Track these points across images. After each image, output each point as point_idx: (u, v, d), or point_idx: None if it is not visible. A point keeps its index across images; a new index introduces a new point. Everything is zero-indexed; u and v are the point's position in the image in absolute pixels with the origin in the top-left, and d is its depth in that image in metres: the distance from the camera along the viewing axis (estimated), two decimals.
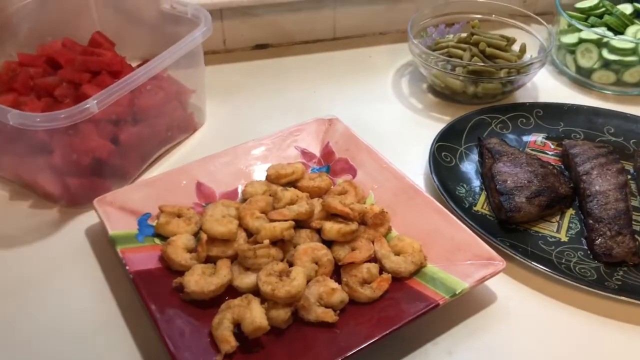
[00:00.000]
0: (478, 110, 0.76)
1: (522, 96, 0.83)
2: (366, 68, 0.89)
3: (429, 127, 0.76)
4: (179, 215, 0.59)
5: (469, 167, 0.70)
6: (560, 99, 0.81)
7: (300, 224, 0.59)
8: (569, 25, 0.83)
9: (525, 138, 0.74)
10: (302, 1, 0.90)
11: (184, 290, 0.52)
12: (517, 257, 0.57)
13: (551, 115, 0.76)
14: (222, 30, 0.90)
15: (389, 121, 0.79)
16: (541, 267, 0.56)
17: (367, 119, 0.79)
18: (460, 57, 0.78)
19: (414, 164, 0.71)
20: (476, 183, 0.68)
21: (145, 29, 0.78)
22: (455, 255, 0.56)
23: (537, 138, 0.74)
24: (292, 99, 0.83)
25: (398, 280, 0.55)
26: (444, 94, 0.82)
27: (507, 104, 0.78)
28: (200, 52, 0.72)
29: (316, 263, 0.55)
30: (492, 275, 0.54)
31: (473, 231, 0.58)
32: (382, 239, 0.58)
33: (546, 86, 0.85)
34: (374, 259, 0.57)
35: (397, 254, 0.57)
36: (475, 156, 0.71)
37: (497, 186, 0.64)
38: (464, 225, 0.58)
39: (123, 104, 0.63)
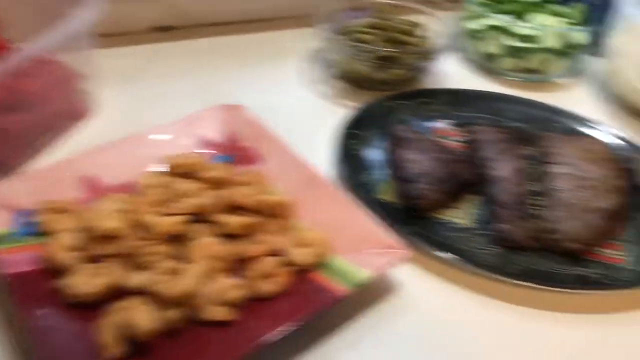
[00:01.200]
0: (385, 96, 0.75)
1: (429, 83, 0.83)
2: (275, 52, 0.86)
3: (336, 114, 0.73)
4: (63, 211, 0.54)
5: (377, 154, 0.68)
6: (467, 86, 0.82)
7: (200, 217, 0.56)
8: (475, 11, 0.83)
9: (431, 124, 0.74)
10: None
11: (68, 292, 0.48)
12: (420, 245, 0.57)
13: (457, 101, 0.76)
14: (118, 11, 0.84)
15: (297, 108, 0.77)
16: (442, 254, 0.56)
17: (274, 105, 0.76)
18: (369, 42, 0.77)
19: (321, 152, 0.68)
20: (383, 171, 0.67)
21: (37, 8, 0.72)
22: (360, 245, 0.55)
23: (443, 124, 0.74)
24: (197, 85, 0.79)
25: (302, 272, 0.54)
26: (352, 80, 0.80)
27: (415, 90, 0.77)
28: (91, 34, 0.67)
29: (216, 259, 0.53)
30: (395, 263, 0.53)
31: (378, 220, 0.58)
32: (286, 231, 0.56)
33: (454, 72, 0.86)
34: (278, 252, 0.55)
35: (301, 245, 0.55)
36: (382, 143, 0.70)
37: (402, 173, 0.63)
38: (368, 215, 0.57)
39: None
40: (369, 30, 0.79)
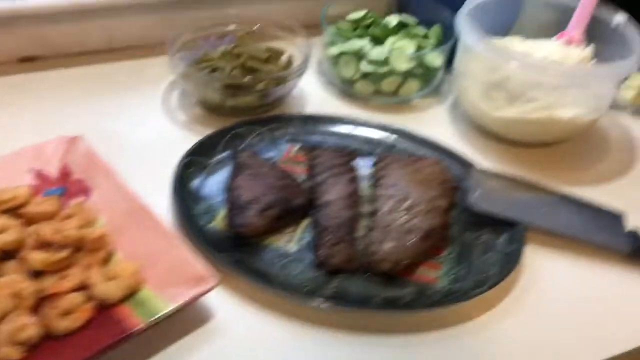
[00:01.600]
0: (236, 123, 0.76)
1: (289, 107, 0.84)
2: (140, 81, 0.86)
3: (189, 142, 0.74)
4: None
5: (218, 181, 0.69)
6: (327, 109, 0.83)
7: (10, 254, 0.56)
8: (331, 38, 0.85)
9: (281, 150, 0.75)
10: (66, 12, 0.86)
11: None
12: (238, 273, 0.58)
13: (308, 125, 0.78)
14: None
15: (153, 137, 0.77)
16: (253, 281, 0.57)
17: (128, 134, 0.77)
18: (220, 70, 0.78)
19: (163, 181, 0.69)
20: (220, 198, 0.68)
21: None
22: (171, 276, 0.55)
23: (292, 149, 0.75)
24: (53, 116, 0.78)
25: (107, 307, 0.54)
26: (208, 108, 0.81)
27: (267, 116, 0.79)
28: None
29: (18, 297, 0.52)
30: (202, 294, 0.54)
31: (199, 251, 0.58)
32: (96, 264, 0.56)
33: (315, 97, 0.87)
34: (85, 286, 0.55)
35: (111, 279, 0.55)
36: (227, 170, 0.71)
37: (232, 200, 0.64)
38: (186, 245, 0.58)
39: None
40: (222, 58, 0.80)
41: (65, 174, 0.66)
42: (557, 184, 0.73)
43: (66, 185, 0.65)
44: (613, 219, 0.68)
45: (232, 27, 0.86)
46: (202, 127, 0.79)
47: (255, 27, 0.86)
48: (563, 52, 0.75)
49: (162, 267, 0.56)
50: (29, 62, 0.88)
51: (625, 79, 0.86)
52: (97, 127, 0.75)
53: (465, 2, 0.78)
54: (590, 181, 0.76)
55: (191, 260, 0.56)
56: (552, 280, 0.63)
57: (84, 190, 0.65)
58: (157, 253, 0.57)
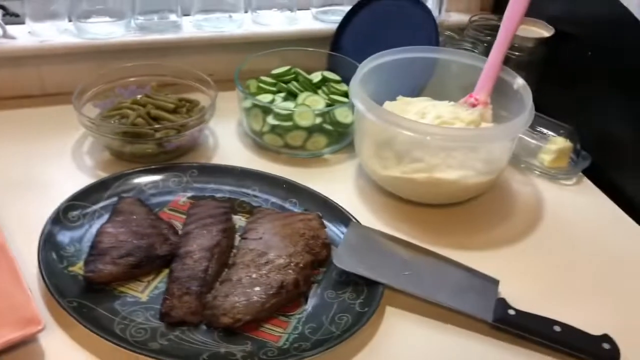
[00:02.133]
0: (133, 169, 0.78)
1: (198, 156, 0.85)
2: (61, 126, 0.89)
3: (84, 183, 0.76)
4: None
5: (96, 227, 0.70)
6: (236, 159, 0.85)
7: None
8: (242, 92, 0.87)
9: (170, 198, 0.76)
10: (2, 58, 0.91)
11: None
12: (73, 318, 0.58)
13: (205, 175, 0.79)
14: None
15: (52, 179, 0.79)
16: (88, 327, 0.56)
17: (33, 176, 0.79)
18: (124, 118, 0.81)
19: (40, 223, 0.69)
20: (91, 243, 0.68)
21: None
22: (2, 316, 0.56)
23: (182, 198, 0.76)
24: None
25: None
26: (114, 154, 0.83)
27: (166, 164, 0.80)
28: None
29: None
30: (24, 337, 0.55)
31: (49, 292, 0.59)
32: None
33: (228, 146, 0.89)
34: None
35: None
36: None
37: (92, 245, 0.65)
38: (26, 286, 0.59)
39: None
40: (133, 106, 0.83)
41: None
42: (445, 246, 0.72)
43: None
44: (486, 285, 0.65)
45: (151, 77, 0.90)
46: (104, 172, 0.81)
47: (167, 77, 0.89)
48: (454, 114, 0.75)
49: (0, 306, 0.57)
50: None
51: (547, 141, 0.85)
52: (1, 166, 0.79)
53: (361, 65, 0.80)
54: (482, 244, 0.74)
55: (25, 303, 0.57)
56: (406, 344, 0.61)
57: None
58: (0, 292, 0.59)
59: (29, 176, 0.79)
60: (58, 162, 0.83)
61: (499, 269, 0.68)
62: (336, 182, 0.83)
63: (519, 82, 0.78)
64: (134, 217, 0.69)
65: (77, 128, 0.88)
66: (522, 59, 0.90)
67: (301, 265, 0.63)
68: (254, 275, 0.62)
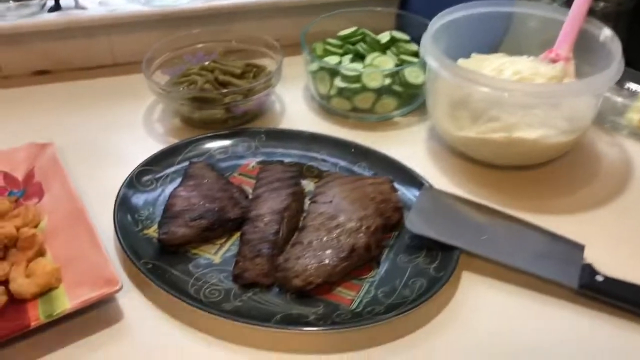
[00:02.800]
0: (202, 135, 0.78)
1: (266, 121, 0.85)
2: (131, 94, 0.90)
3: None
4: None
5: (168, 191, 0.71)
6: (304, 124, 0.84)
7: None
8: (308, 54, 0.85)
9: (239, 162, 0.76)
10: (74, 29, 0.93)
11: None
12: (148, 279, 0.59)
13: (273, 140, 0.78)
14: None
15: (126, 146, 0.81)
16: (163, 288, 0.57)
17: (105, 143, 0.81)
18: (192, 84, 0.81)
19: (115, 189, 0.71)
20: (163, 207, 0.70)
21: None
22: (84, 277, 0.58)
23: (251, 162, 0.76)
24: (48, 123, 0.84)
25: (21, 302, 0.57)
26: (184, 121, 0.84)
27: (233, 129, 0.80)
28: None
29: None
30: (102, 296, 0.56)
31: (125, 254, 0.61)
32: (20, 261, 0.59)
33: (296, 111, 0.87)
34: (5, 281, 0.59)
35: (29, 276, 0.58)
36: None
37: (165, 210, 0.66)
38: (104, 249, 0.60)
39: None
40: (202, 72, 0.83)
41: (28, 177, 0.71)
42: (524, 210, 0.68)
43: (27, 188, 0.70)
44: (570, 250, 0.61)
45: (218, 43, 0.90)
46: (174, 138, 0.82)
47: (234, 43, 0.88)
48: (534, 69, 0.70)
49: (80, 268, 0.59)
50: (42, 74, 0.96)
51: (636, 99, 0.79)
52: (78, 136, 0.81)
53: (432, 21, 0.76)
54: (564, 208, 0.70)
55: (103, 264, 0.58)
56: (484, 310, 0.59)
57: (38, 193, 0.69)
58: (79, 255, 0.60)
59: (103, 144, 0.81)
60: (130, 130, 0.84)
61: (584, 233, 0.64)
62: (407, 145, 0.80)
63: (606, 33, 0.72)
64: (205, 181, 0.69)
65: (147, 96, 0.89)
66: (609, 10, 0.83)
67: (372, 229, 0.62)
68: (324, 239, 0.61)
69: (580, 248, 0.62)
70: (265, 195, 0.67)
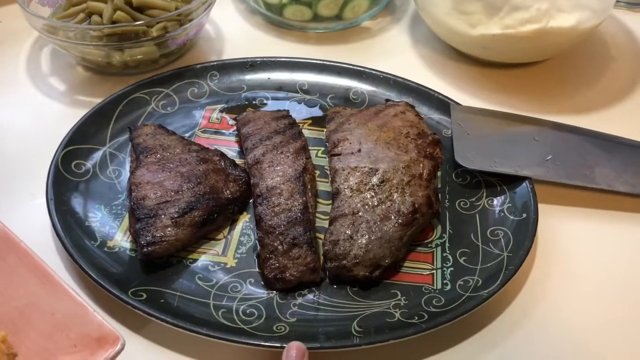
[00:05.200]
0: (132, 86, 0.56)
1: (202, 53, 0.64)
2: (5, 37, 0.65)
3: (71, 119, 0.54)
4: None
5: (118, 175, 0.50)
6: (255, 48, 0.64)
7: None
8: None
9: (197, 115, 0.56)
10: None
11: None
12: (147, 316, 0.40)
13: (230, 76, 0.58)
14: None
15: (20, 120, 0.56)
16: (178, 325, 0.39)
17: None
18: (101, 14, 0.57)
19: (36, 187, 0.49)
20: (121, 199, 0.49)
21: None
22: (55, 339, 0.38)
23: (213, 113, 0.56)
24: None
25: None
26: (94, 68, 0.60)
27: (171, 70, 0.58)
28: None
29: None
30: None
31: (97, 291, 0.41)
32: None
33: (236, 33, 0.67)
34: None
35: None
36: (127, 155, 0.52)
37: (133, 207, 0.45)
38: (70, 289, 0.39)
39: None
40: None
41: None
42: (557, 112, 0.58)
43: None
44: (636, 152, 0.53)
45: None
46: (88, 97, 0.58)
47: None
48: None
49: (42, 326, 0.38)
50: None
51: None
52: None
53: None
54: (594, 103, 0.60)
55: (82, 312, 0.38)
56: (574, 241, 0.48)
57: None
58: (31, 305, 0.39)
59: None
60: (16, 95, 0.59)
61: (633, 128, 0.55)
62: (392, 55, 0.65)
63: None
64: (169, 152, 0.49)
65: (23, 39, 0.63)
66: None
67: (425, 175, 0.47)
68: (373, 203, 0.45)
69: None
70: (267, 158, 0.48)
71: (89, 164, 0.50)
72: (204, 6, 0.58)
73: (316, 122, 0.56)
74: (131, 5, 0.58)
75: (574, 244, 0.48)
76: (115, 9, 0.57)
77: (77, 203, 0.47)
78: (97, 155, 0.51)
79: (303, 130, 0.53)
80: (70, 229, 0.45)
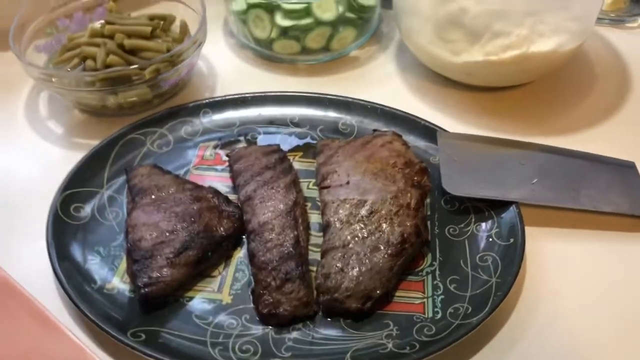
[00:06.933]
0: (127, 127, 0.57)
1: (195, 91, 0.65)
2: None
3: (69, 162, 0.55)
4: None
5: (116, 216, 0.52)
6: (246, 81, 0.66)
7: None
8: None
9: (191, 152, 0.57)
10: None
11: None
12: (152, 358, 0.41)
13: (223, 113, 0.60)
14: None
15: (19, 165, 0.58)
16: None
17: None
18: (94, 58, 0.59)
19: (36, 232, 0.50)
20: (119, 241, 0.50)
21: None
22: None
23: (207, 150, 0.58)
24: None
25: None
26: (90, 110, 0.61)
27: (165, 110, 0.59)
28: None
29: None
30: None
31: (97, 333, 0.42)
32: None
33: (227, 68, 0.68)
34: None
35: None
36: (125, 198, 0.54)
37: (129, 249, 0.47)
38: (69, 333, 0.41)
39: None
40: (96, 40, 0.61)
41: None
42: (543, 134, 0.59)
43: None
44: (623, 172, 0.54)
45: None
46: (85, 139, 0.60)
47: None
48: None
49: None
50: None
51: None
52: None
53: None
54: (579, 123, 0.61)
55: (81, 356, 0.40)
56: (560, 262, 0.49)
57: None
58: (33, 352, 0.41)
59: None
60: (16, 140, 0.60)
61: (605, 145, 0.57)
62: (379, 84, 0.66)
63: None
64: (164, 192, 0.51)
65: (20, 85, 0.65)
66: None
67: (413, 205, 0.48)
68: (362, 234, 0.47)
69: (631, 166, 0.54)
70: (259, 194, 0.50)
71: (87, 208, 0.51)
72: (195, 45, 0.60)
73: (307, 153, 0.57)
74: (124, 49, 0.60)
75: (562, 264, 0.49)
76: (108, 52, 0.59)
77: (76, 247, 0.49)
78: (96, 198, 0.52)
79: (294, 163, 0.55)
80: (70, 273, 0.46)
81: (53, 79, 0.57)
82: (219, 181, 0.55)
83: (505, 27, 0.56)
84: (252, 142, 0.58)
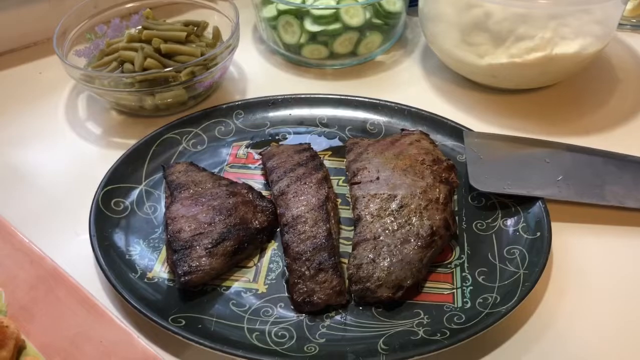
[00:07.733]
0: (164, 127, 0.60)
1: (227, 93, 0.68)
2: (34, 89, 0.69)
3: (108, 160, 0.58)
4: None
5: (154, 211, 0.54)
6: (276, 85, 0.68)
7: None
8: None
9: (225, 151, 0.60)
10: None
11: None
12: (188, 340, 0.43)
13: (254, 114, 0.62)
14: None
15: (60, 163, 0.61)
16: (216, 349, 0.42)
17: (29, 165, 0.61)
18: (132, 62, 0.62)
19: (79, 225, 0.53)
20: (158, 233, 0.53)
21: None
22: None
23: (240, 149, 0.60)
24: None
25: None
26: (127, 111, 0.64)
27: (200, 111, 0.62)
28: None
29: None
30: None
31: (138, 319, 0.44)
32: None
33: (258, 72, 0.71)
34: None
35: None
36: (162, 193, 0.56)
37: (169, 239, 0.49)
38: (115, 318, 0.43)
39: None
40: (133, 45, 0.63)
41: None
42: (566, 134, 0.60)
43: None
44: None
45: (136, 2, 0.69)
46: (123, 138, 0.63)
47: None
48: None
49: (91, 353, 0.42)
50: None
51: None
52: None
53: None
54: (602, 124, 0.62)
55: (127, 340, 0.41)
56: (588, 258, 0.50)
57: None
58: (81, 335, 0.43)
59: (19, 166, 0.60)
60: (56, 139, 0.63)
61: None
62: (405, 86, 0.68)
63: None
64: (201, 187, 0.53)
65: (59, 87, 0.68)
66: None
67: (442, 199, 0.50)
68: (393, 227, 0.48)
69: None
70: (292, 189, 0.52)
71: (127, 202, 0.54)
72: (228, 50, 0.62)
73: (336, 153, 0.59)
74: (160, 53, 0.62)
75: (587, 259, 0.50)
76: (145, 56, 0.61)
77: (117, 238, 0.51)
78: (134, 193, 0.55)
79: (324, 161, 0.57)
80: (112, 262, 0.48)
81: (94, 81, 0.60)
82: (251, 178, 0.57)
83: (529, 30, 0.58)
84: (282, 142, 0.60)
